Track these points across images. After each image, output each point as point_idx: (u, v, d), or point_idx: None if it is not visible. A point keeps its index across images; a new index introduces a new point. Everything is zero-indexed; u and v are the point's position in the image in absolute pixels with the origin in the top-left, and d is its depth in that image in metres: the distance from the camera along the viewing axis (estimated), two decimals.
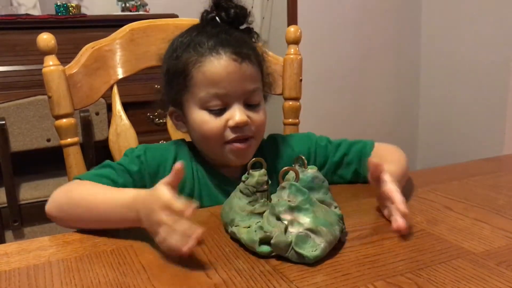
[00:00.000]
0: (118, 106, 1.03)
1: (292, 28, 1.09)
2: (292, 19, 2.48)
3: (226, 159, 0.81)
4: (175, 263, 0.59)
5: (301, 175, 0.64)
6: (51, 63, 0.92)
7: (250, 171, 0.67)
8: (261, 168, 0.68)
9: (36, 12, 2.26)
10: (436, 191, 0.84)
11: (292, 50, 1.10)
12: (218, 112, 0.78)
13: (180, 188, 0.79)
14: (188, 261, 0.60)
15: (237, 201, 0.67)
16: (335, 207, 0.66)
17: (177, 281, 0.55)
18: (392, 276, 0.55)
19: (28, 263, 0.61)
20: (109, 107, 1.11)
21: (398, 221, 0.65)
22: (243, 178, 0.67)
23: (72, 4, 2.17)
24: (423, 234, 0.66)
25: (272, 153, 0.88)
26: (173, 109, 0.85)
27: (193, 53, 0.78)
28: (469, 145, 2.59)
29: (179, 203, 0.57)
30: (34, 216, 1.75)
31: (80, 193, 0.72)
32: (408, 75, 2.88)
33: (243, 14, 0.82)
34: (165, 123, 1.08)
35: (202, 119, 0.78)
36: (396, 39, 2.79)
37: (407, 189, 0.83)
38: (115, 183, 0.75)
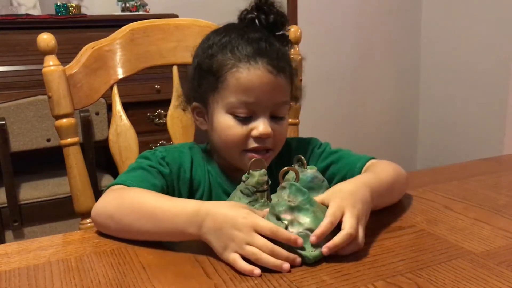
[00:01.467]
0: (118, 106, 1.03)
1: (292, 28, 1.09)
2: (292, 19, 2.48)
3: (242, 165, 0.80)
4: (175, 263, 0.60)
5: (300, 175, 0.64)
6: (51, 63, 0.92)
7: (251, 171, 0.67)
8: (261, 168, 0.68)
9: (36, 12, 2.25)
10: (436, 191, 0.84)
11: (292, 50, 1.09)
12: (243, 119, 0.77)
13: (195, 188, 0.80)
14: (188, 261, 0.60)
15: (237, 200, 0.67)
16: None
17: (177, 281, 0.55)
18: (392, 276, 0.55)
19: (28, 263, 0.61)
20: (109, 107, 1.11)
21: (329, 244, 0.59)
22: (243, 178, 0.67)
23: (72, 4, 2.17)
24: (423, 234, 0.66)
25: (276, 156, 0.87)
26: (197, 105, 0.84)
27: (230, 56, 0.77)
28: (469, 145, 2.59)
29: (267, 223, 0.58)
30: (34, 216, 1.75)
31: (132, 201, 0.69)
32: (408, 75, 2.88)
33: (282, 21, 0.81)
34: (165, 123, 1.08)
35: (227, 123, 0.78)
36: (396, 39, 2.79)
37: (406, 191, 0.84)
38: (155, 187, 0.74)
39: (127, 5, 2.28)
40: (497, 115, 2.45)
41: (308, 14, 2.51)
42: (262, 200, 0.66)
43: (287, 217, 0.60)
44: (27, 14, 2.13)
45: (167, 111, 1.07)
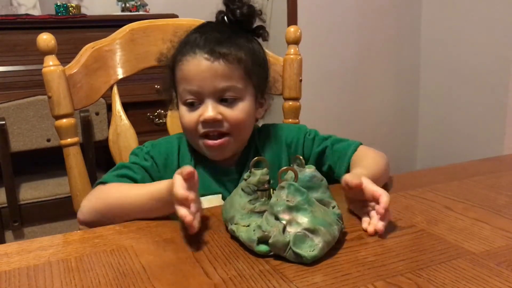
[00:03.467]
0: (118, 106, 1.03)
1: (292, 28, 1.09)
2: (292, 19, 2.48)
3: (204, 153, 0.86)
4: (175, 263, 0.60)
5: (299, 175, 0.64)
6: (51, 63, 0.92)
7: (253, 169, 0.67)
8: (263, 167, 0.68)
9: (36, 12, 2.25)
10: (436, 191, 0.84)
11: (292, 50, 1.10)
12: (192, 106, 0.83)
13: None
14: (188, 261, 0.60)
15: (238, 199, 0.67)
16: (333, 207, 0.66)
17: (177, 281, 0.55)
18: (392, 276, 0.55)
19: (28, 263, 0.61)
20: (109, 107, 1.11)
21: (378, 225, 0.65)
22: (245, 176, 0.68)
23: (72, 4, 2.17)
24: (423, 234, 0.66)
25: (263, 142, 0.92)
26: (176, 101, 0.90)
27: (177, 52, 0.85)
28: (469, 145, 2.59)
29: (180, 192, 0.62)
30: (34, 216, 1.75)
31: (114, 195, 0.77)
32: (408, 75, 2.88)
33: (250, 13, 0.86)
34: (165, 123, 1.08)
35: (182, 112, 0.85)
36: (396, 39, 2.79)
37: (402, 189, 0.83)
38: (134, 180, 0.82)
39: (127, 5, 2.29)
40: (497, 115, 2.45)
41: (308, 14, 2.51)
42: (263, 199, 0.66)
43: (285, 217, 0.60)
44: (27, 14, 2.13)
45: (167, 111, 1.07)
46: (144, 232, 0.70)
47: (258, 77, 0.86)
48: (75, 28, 2.06)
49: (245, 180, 0.67)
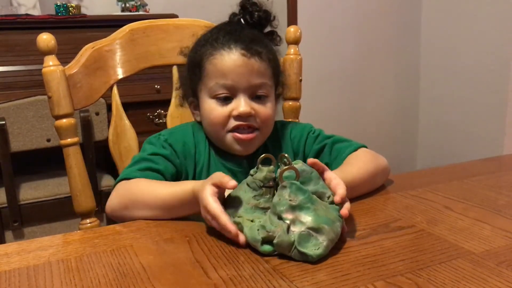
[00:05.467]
0: (118, 106, 1.03)
1: (292, 28, 1.09)
2: (292, 19, 2.48)
3: (230, 148, 0.86)
4: (175, 263, 0.60)
5: (287, 173, 0.64)
6: (51, 63, 0.92)
7: (260, 166, 0.67)
8: (271, 164, 0.68)
9: (36, 12, 2.25)
10: (436, 191, 0.84)
11: (292, 50, 1.10)
12: (225, 101, 0.83)
13: (197, 161, 0.88)
14: (188, 261, 0.60)
15: (243, 193, 0.67)
16: (329, 196, 0.66)
17: (177, 281, 0.55)
18: (392, 276, 0.55)
19: (28, 263, 0.61)
20: (109, 107, 1.11)
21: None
22: (251, 172, 0.68)
23: (72, 4, 2.17)
24: (423, 234, 0.66)
25: (272, 138, 0.92)
26: (192, 99, 0.91)
27: (209, 47, 0.85)
28: (469, 145, 2.59)
29: (213, 207, 0.64)
30: (34, 216, 1.75)
31: (140, 191, 0.77)
32: (408, 75, 2.88)
33: (266, 17, 0.88)
34: (165, 123, 1.08)
35: (210, 106, 0.84)
36: (396, 39, 2.79)
37: (402, 189, 0.83)
38: (158, 171, 0.82)
39: (127, 5, 2.28)
40: (497, 115, 2.45)
41: (308, 14, 2.51)
42: (267, 196, 0.66)
43: (288, 216, 0.60)
44: (27, 14, 2.13)
45: (167, 111, 1.07)
46: (144, 232, 0.70)
47: (279, 78, 0.91)
48: (75, 28, 2.05)
49: (252, 175, 0.67)
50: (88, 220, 0.97)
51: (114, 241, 0.67)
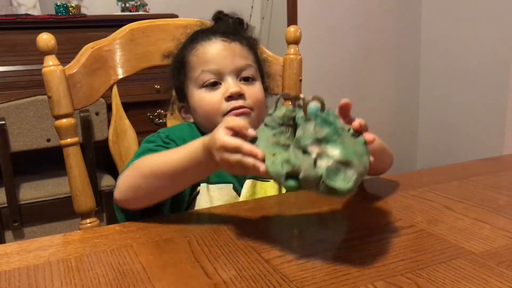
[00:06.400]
0: (118, 106, 1.03)
1: (292, 28, 1.09)
2: (292, 19, 2.48)
3: None
4: (175, 263, 0.60)
5: (312, 104, 0.59)
6: (51, 63, 0.92)
7: (278, 104, 0.63)
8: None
9: (36, 12, 2.25)
10: (436, 191, 0.84)
11: (292, 50, 1.10)
12: (213, 86, 0.85)
13: None
14: (188, 261, 0.60)
15: (261, 133, 0.62)
16: (349, 129, 0.61)
17: (177, 281, 0.55)
18: (392, 276, 0.55)
19: (28, 263, 0.61)
20: (109, 107, 1.11)
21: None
22: (269, 111, 0.63)
23: (72, 4, 2.17)
24: (423, 234, 0.66)
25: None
26: (181, 104, 0.92)
27: (191, 43, 0.88)
28: (469, 145, 2.59)
29: (232, 140, 0.59)
30: (34, 216, 1.75)
31: (148, 164, 0.73)
32: (408, 75, 2.88)
33: (240, 23, 0.93)
34: (165, 123, 1.08)
35: (200, 96, 0.86)
36: (396, 39, 2.79)
37: (402, 189, 0.83)
38: None
39: (127, 5, 2.29)
40: (497, 115, 2.45)
41: (308, 14, 2.51)
42: (287, 134, 0.60)
43: (314, 150, 0.55)
44: (27, 14, 2.14)
45: (167, 111, 1.07)
46: (144, 232, 0.70)
47: (262, 69, 0.93)
48: (75, 28, 2.06)
49: (270, 115, 0.62)
50: (88, 220, 0.97)
51: (114, 241, 0.67)
